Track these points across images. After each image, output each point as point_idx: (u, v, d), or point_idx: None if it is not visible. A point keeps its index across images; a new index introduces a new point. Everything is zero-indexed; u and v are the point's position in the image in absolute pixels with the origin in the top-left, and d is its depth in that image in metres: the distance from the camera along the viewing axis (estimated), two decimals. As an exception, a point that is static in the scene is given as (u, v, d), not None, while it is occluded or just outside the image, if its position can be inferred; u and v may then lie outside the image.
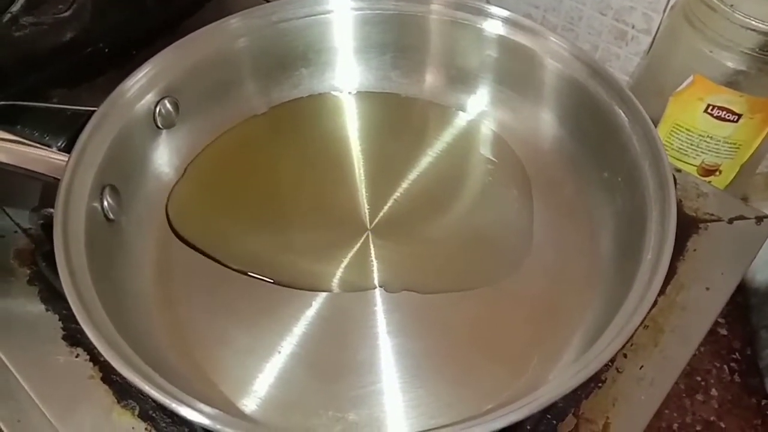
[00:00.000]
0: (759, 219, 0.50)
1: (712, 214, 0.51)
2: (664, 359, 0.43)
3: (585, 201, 0.49)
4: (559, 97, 0.51)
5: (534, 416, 0.40)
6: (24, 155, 0.40)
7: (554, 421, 0.40)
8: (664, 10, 0.74)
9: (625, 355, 0.43)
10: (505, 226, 0.49)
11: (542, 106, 0.52)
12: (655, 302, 0.45)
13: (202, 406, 0.33)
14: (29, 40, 0.61)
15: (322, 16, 0.53)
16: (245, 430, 0.34)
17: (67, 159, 0.41)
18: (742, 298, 0.69)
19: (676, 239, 0.47)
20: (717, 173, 0.64)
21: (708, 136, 0.61)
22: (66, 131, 0.41)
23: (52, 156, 0.41)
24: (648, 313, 0.45)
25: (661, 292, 0.46)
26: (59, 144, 0.41)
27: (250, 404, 0.40)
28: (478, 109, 0.55)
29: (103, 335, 0.35)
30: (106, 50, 0.64)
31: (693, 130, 0.61)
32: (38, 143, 0.41)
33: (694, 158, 0.63)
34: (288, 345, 0.42)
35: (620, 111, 0.46)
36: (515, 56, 0.52)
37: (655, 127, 0.64)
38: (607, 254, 0.46)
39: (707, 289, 0.46)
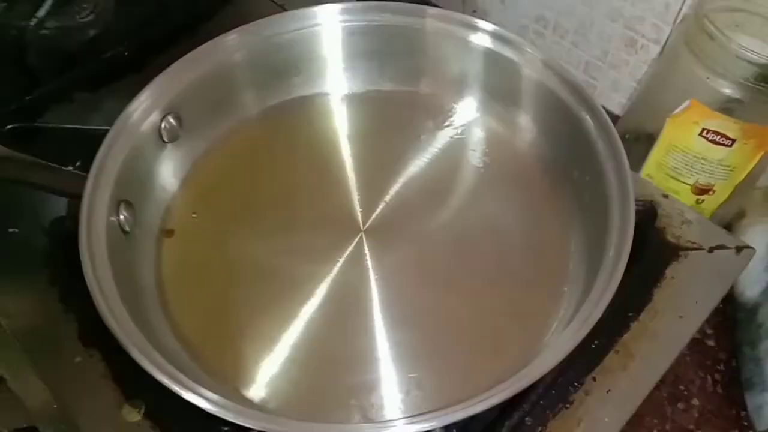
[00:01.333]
0: (739, 249, 0.52)
1: (694, 242, 0.53)
2: (630, 384, 0.46)
3: (558, 199, 0.53)
4: (537, 105, 0.55)
5: (503, 433, 0.43)
6: (48, 176, 0.44)
7: (522, 439, 0.43)
8: (674, 22, 0.74)
9: (594, 379, 0.46)
10: (491, 225, 0.53)
11: (522, 113, 0.56)
12: (628, 328, 0.48)
13: (209, 393, 0.37)
14: (55, 43, 0.64)
15: (312, 28, 0.57)
16: (249, 417, 0.37)
17: (85, 178, 0.44)
18: (732, 311, 0.71)
19: (654, 267, 0.50)
20: (711, 192, 0.65)
21: (702, 158, 0.62)
22: (80, 152, 0.45)
23: (73, 175, 0.45)
24: (621, 338, 0.48)
25: (635, 318, 0.48)
26: (76, 164, 0.45)
27: (252, 392, 0.44)
28: (464, 114, 0.59)
29: (129, 337, 0.38)
30: (126, 53, 0.68)
31: (688, 151, 0.63)
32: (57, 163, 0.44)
33: (689, 177, 0.65)
34: (289, 338, 0.46)
35: (587, 117, 0.50)
36: (498, 66, 0.56)
37: (654, 145, 0.66)
38: (578, 250, 0.50)
39: (680, 317, 0.49)
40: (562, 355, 0.38)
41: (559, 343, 0.39)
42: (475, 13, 0.93)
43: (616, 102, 0.89)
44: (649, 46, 0.81)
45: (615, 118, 0.88)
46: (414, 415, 0.40)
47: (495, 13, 0.93)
